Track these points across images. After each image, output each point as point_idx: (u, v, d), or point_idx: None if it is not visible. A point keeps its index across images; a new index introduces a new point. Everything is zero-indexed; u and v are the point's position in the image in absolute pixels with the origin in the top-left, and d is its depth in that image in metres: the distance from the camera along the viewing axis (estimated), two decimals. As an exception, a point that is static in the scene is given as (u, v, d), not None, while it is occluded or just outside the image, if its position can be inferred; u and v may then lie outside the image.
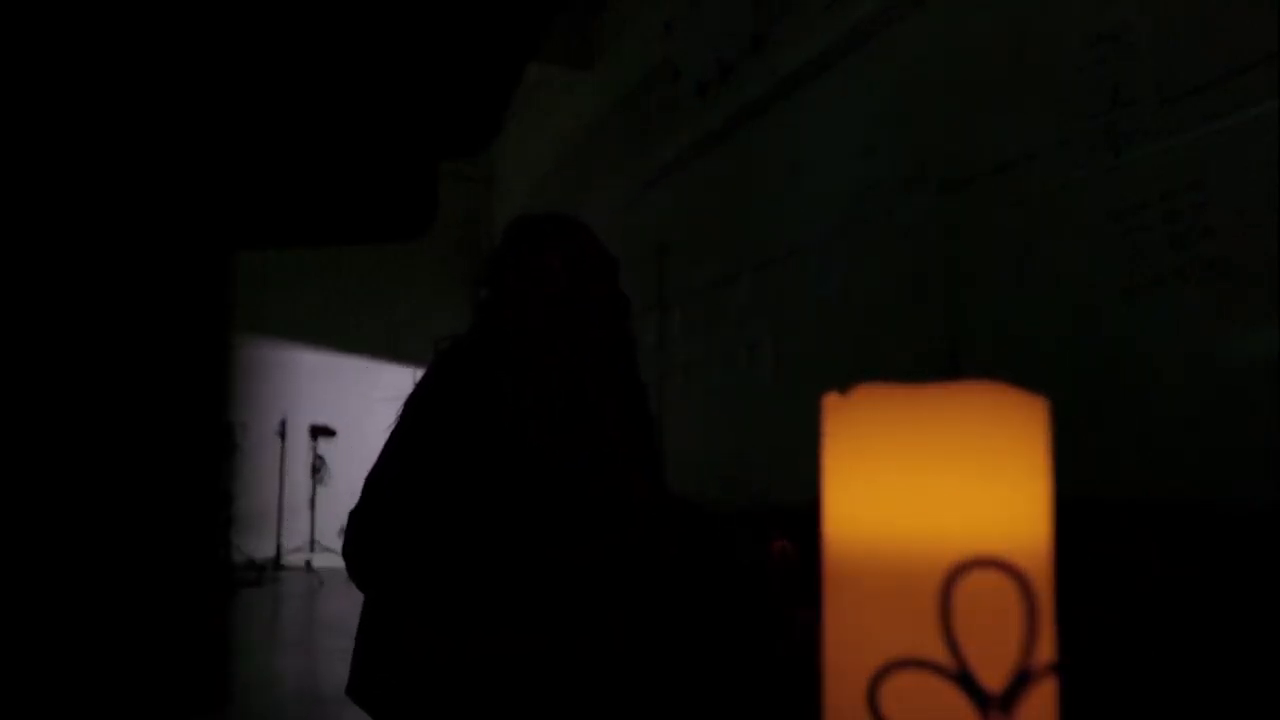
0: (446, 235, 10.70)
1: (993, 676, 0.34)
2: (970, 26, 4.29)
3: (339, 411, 9.01)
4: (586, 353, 1.73)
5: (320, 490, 9.04)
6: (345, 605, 1.95)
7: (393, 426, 1.64)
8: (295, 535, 9.24)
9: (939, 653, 0.33)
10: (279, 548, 9.19)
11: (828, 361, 5.12)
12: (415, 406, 1.64)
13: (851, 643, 0.35)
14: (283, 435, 9.35)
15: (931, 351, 4.39)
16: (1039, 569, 0.35)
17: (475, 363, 1.64)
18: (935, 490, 0.34)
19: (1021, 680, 0.34)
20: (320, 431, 9.05)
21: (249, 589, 8.26)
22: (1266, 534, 2.44)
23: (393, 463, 1.62)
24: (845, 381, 0.37)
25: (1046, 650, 0.34)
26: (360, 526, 1.62)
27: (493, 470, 1.57)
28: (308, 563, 9.03)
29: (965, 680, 0.33)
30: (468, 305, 11.52)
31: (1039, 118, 3.86)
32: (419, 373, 1.80)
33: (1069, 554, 0.38)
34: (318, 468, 9.00)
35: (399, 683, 1.59)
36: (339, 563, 1.93)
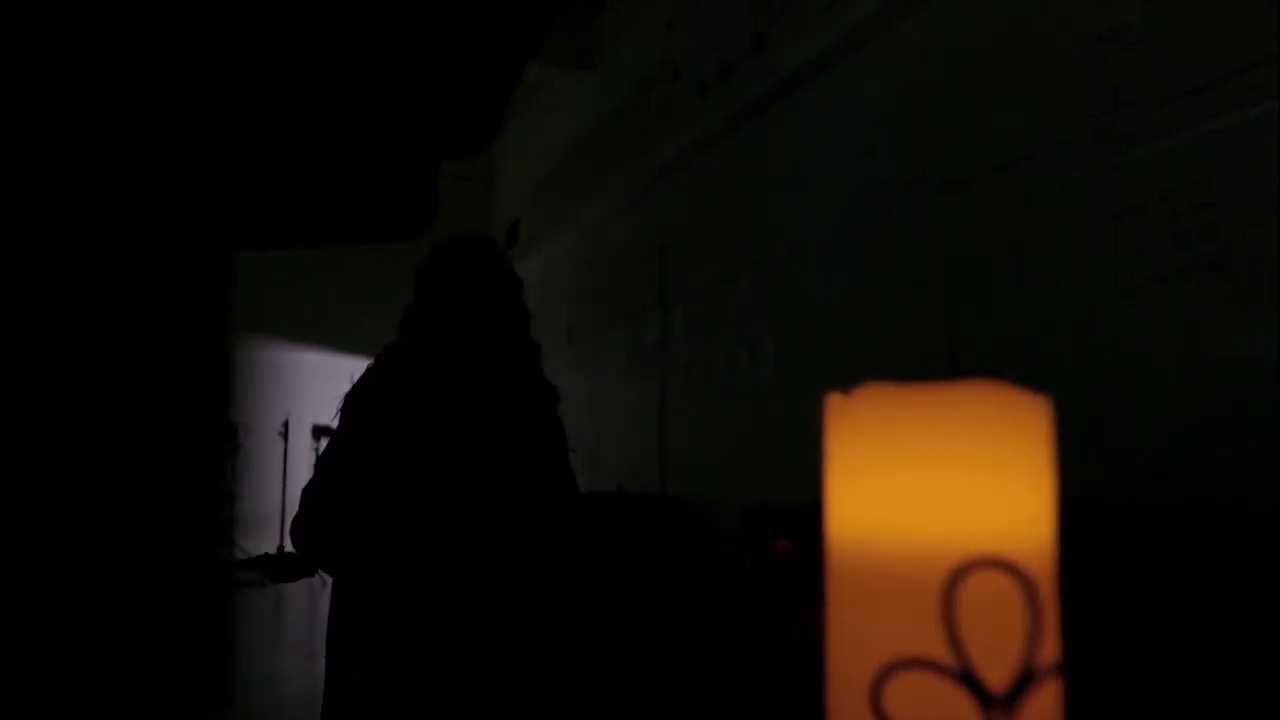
0: (446, 235, 10.70)
1: (996, 676, 0.33)
2: (970, 27, 4.30)
3: (339, 412, 9.00)
4: (539, 360, 1.86)
5: (321, 491, 9.02)
6: (346, 606, 1.97)
7: (348, 419, 1.69)
8: (296, 536, 9.24)
9: (942, 653, 0.33)
10: (281, 548, 9.20)
11: (829, 361, 5.12)
12: (380, 401, 1.68)
13: (854, 643, 0.35)
14: (285, 436, 9.36)
15: (932, 351, 4.39)
16: (1042, 569, 0.34)
17: (464, 365, 1.70)
18: (938, 490, 0.34)
19: (1025, 680, 0.34)
20: (323, 432, 9.04)
21: (251, 589, 8.26)
22: (1267, 533, 2.44)
23: (357, 455, 1.65)
24: (847, 381, 0.37)
25: (1050, 650, 0.34)
26: (318, 510, 1.66)
27: (485, 468, 1.64)
28: (309, 563, 9.02)
29: (969, 680, 0.33)
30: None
31: (1039, 118, 3.86)
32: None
33: (1070, 554, 0.37)
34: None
35: (367, 678, 1.62)
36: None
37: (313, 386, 9.92)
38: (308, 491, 1.69)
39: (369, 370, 1.76)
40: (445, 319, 1.73)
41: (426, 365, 1.70)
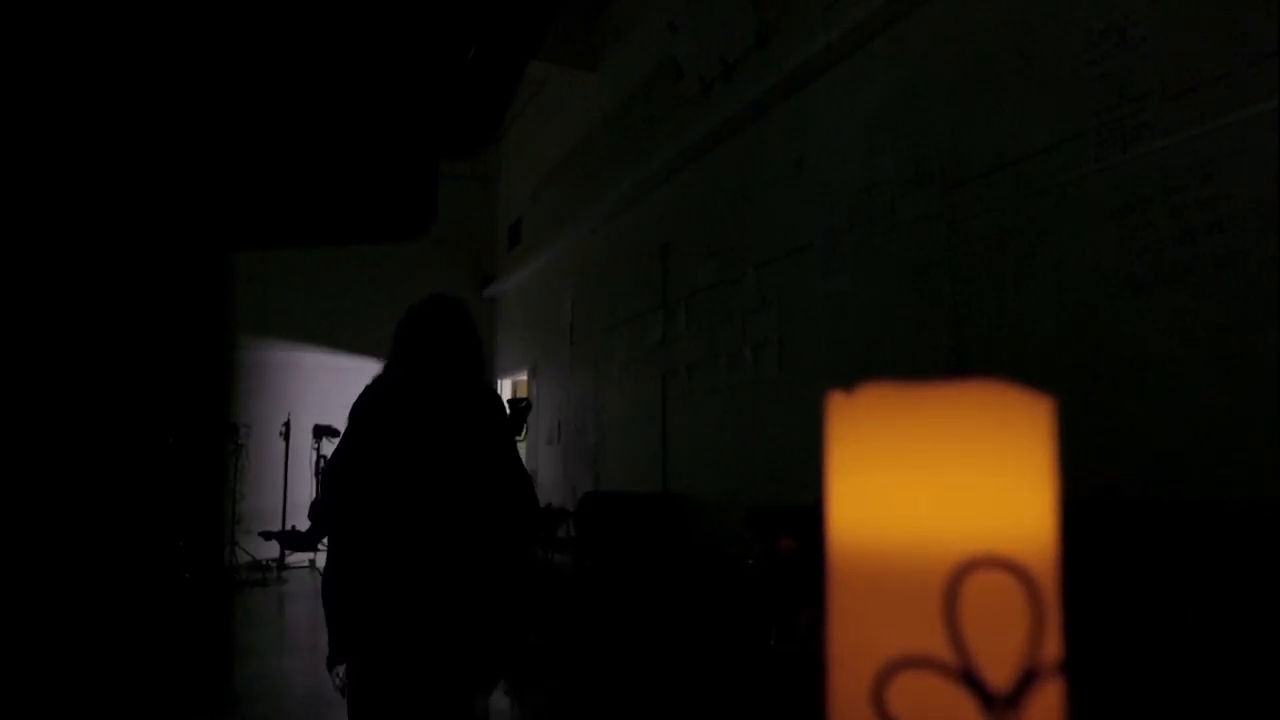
0: (446, 235, 10.73)
1: (998, 676, 0.33)
2: (974, 23, 4.29)
3: (341, 411, 9.01)
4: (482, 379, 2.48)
5: (323, 490, 9.01)
6: (348, 605, 1.99)
7: (349, 426, 2.25)
8: (299, 535, 9.26)
9: (944, 652, 0.33)
10: (283, 548, 9.21)
11: (830, 360, 5.11)
12: (371, 416, 2.22)
13: (856, 642, 0.35)
14: (286, 435, 9.36)
15: (935, 349, 4.38)
16: (1044, 567, 0.34)
17: (431, 390, 2.26)
18: (939, 489, 0.34)
19: (1027, 679, 0.33)
20: (324, 431, 9.05)
21: (254, 589, 8.27)
22: (1271, 532, 2.43)
23: (352, 455, 2.20)
24: (848, 380, 0.37)
25: (1052, 649, 0.34)
26: (324, 494, 2.22)
27: (447, 458, 2.22)
28: (311, 562, 9.04)
29: (971, 680, 0.33)
30: (467, 304, 11.51)
31: (1044, 114, 3.85)
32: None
33: (1076, 552, 0.37)
34: (322, 468, 9.01)
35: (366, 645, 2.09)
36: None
37: (313, 386, 9.94)
38: (323, 477, 2.32)
39: (367, 390, 2.29)
40: (424, 357, 2.27)
41: (407, 391, 2.25)
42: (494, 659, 2.19)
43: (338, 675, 2.11)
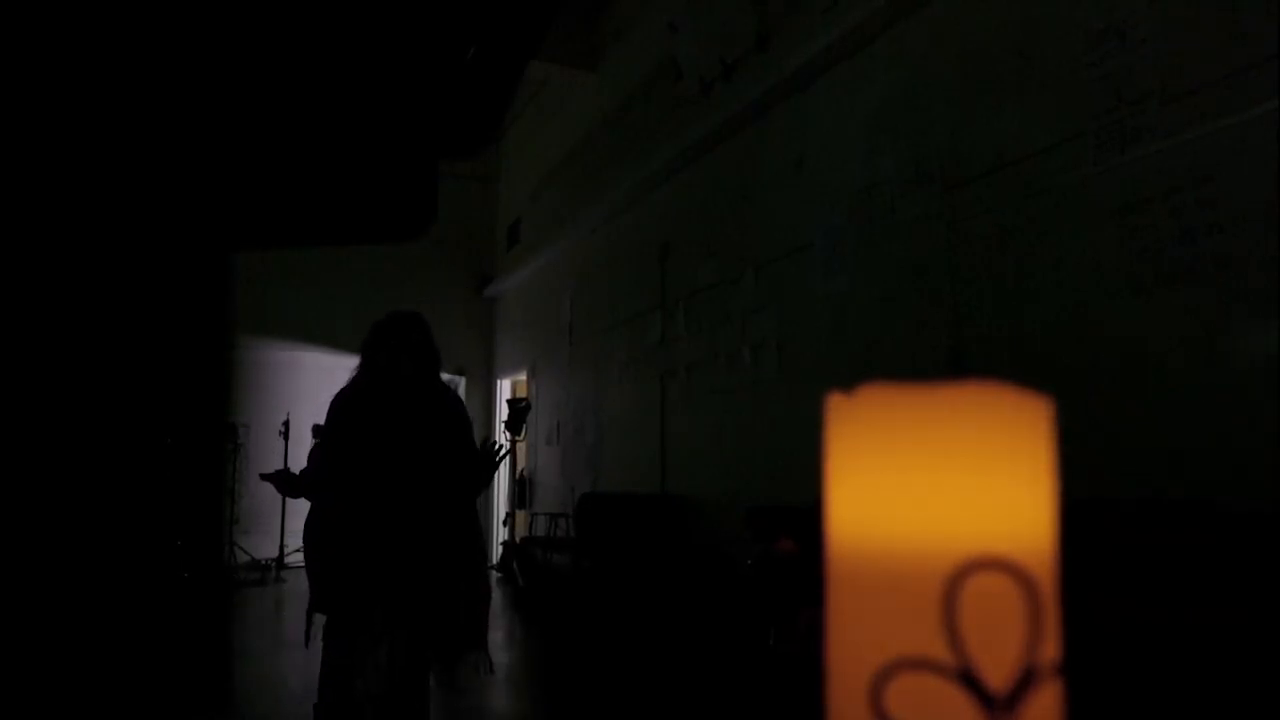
0: (446, 235, 10.73)
1: (997, 677, 0.33)
2: (975, 23, 4.29)
3: (341, 412, 8.98)
4: (440, 385, 2.89)
5: (323, 490, 9.00)
6: (347, 605, 1.99)
7: (326, 426, 2.72)
8: (298, 535, 9.23)
9: (943, 653, 0.33)
10: (282, 547, 9.20)
11: (830, 360, 5.11)
12: (344, 415, 2.68)
13: (855, 643, 0.35)
14: (285, 435, 9.36)
15: (934, 350, 4.38)
16: (1042, 568, 0.34)
17: (394, 393, 2.66)
18: (938, 490, 0.34)
19: (1026, 680, 0.33)
20: (323, 431, 9.01)
21: (252, 588, 8.27)
22: (1268, 534, 2.43)
23: (331, 448, 2.71)
24: (848, 380, 0.37)
25: (1051, 650, 0.34)
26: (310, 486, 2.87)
27: (411, 450, 2.63)
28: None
29: (969, 681, 0.33)
30: (467, 304, 11.55)
31: (1044, 114, 3.85)
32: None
33: (1075, 552, 0.37)
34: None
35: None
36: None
37: (313, 386, 9.94)
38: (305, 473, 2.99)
39: (341, 393, 2.70)
40: (386, 366, 2.64)
41: (373, 395, 2.65)
42: (452, 616, 2.61)
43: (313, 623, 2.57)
